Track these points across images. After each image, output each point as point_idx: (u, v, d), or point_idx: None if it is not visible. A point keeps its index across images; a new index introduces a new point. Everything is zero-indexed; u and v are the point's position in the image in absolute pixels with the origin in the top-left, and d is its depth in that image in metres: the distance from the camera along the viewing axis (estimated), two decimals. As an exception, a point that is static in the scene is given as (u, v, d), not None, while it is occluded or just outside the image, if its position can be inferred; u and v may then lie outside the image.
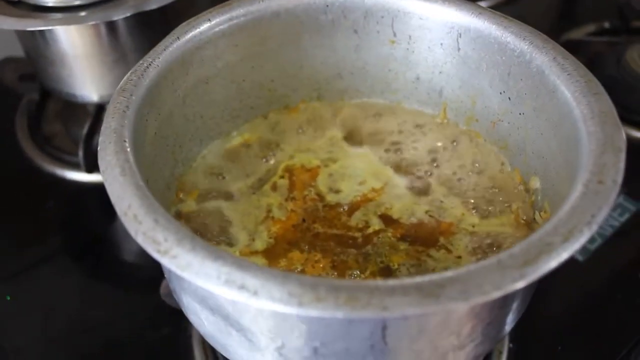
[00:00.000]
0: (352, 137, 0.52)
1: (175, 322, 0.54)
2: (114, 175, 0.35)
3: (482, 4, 0.89)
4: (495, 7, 0.89)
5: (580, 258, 0.59)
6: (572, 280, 0.58)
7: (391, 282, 0.28)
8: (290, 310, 0.28)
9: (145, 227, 0.32)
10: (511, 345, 0.53)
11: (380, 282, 0.28)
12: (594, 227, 0.31)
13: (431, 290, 0.28)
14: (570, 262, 0.57)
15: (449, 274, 0.29)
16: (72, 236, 0.65)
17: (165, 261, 0.30)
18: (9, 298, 0.58)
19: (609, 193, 0.33)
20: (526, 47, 0.43)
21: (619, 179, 0.34)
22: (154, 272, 0.49)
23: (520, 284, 0.29)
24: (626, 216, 0.62)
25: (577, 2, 0.98)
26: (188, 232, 0.31)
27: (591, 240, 0.60)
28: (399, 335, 0.32)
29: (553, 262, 0.30)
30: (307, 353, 0.34)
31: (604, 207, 0.32)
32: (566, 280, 0.58)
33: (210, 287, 0.29)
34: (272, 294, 0.28)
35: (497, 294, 0.28)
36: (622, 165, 0.34)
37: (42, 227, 0.65)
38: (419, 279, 0.28)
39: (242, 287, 0.28)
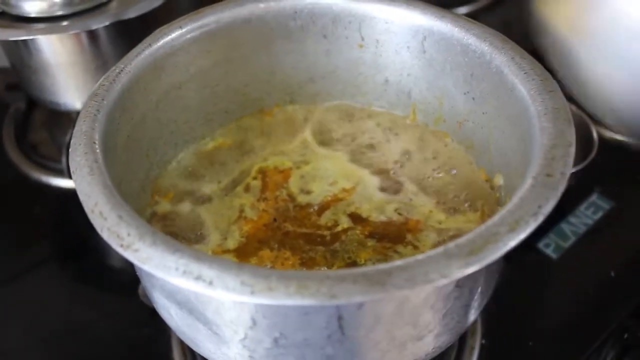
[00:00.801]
0: (324, 140, 0.53)
1: (156, 322, 0.55)
2: (83, 174, 0.36)
3: (463, 9, 0.91)
4: (477, 12, 0.91)
5: (553, 256, 0.60)
6: (545, 277, 0.59)
7: (341, 271, 0.29)
8: (243, 299, 0.29)
9: (109, 223, 0.33)
10: (484, 341, 0.54)
11: (330, 271, 0.30)
12: (540, 218, 0.32)
13: (378, 278, 0.29)
14: (544, 259, 0.59)
15: (397, 263, 0.30)
16: (57, 241, 0.66)
17: (127, 255, 0.32)
18: (-7, 301, 0.59)
19: (556, 185, 0.34)
20: (486, 48, 0.44)
21: (567, 171, 0.35)
22: (135, 275, 0.50)
23: (466, 272, 0.30)
24: (600, 214, 0.64)
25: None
26: (149, 228, 0.32)
27: (565, 238, 0.61)
28: (355, 325, 0.34)
29: (498, 252, 0.31)
30: (268, 344, 0.35)
31: (551, 198, 0.33)
32: (539, 277, 0.59)
33: (169, 278, 0.30)
34: (227, 284, 0.29)
35: (442, 282, 0.29)
36: (570, 159, 0.35)
37: (28, 233, 0.66)
38: (368, 268, 0.30)
39: (198, 278, 0.30)
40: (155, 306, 0.42)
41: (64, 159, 0.66)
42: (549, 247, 0.61)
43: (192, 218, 0.47)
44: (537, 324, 0.55)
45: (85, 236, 0.66)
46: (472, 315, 0.41)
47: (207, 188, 0.49)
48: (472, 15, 0.82)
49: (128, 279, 0.59)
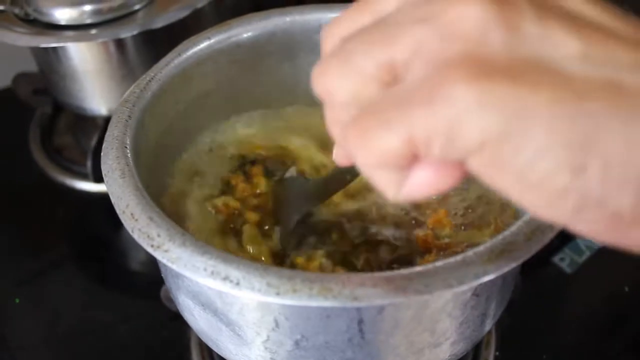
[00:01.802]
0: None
1: (175, 326, 0.57)
2: (115, 177, 0.37)
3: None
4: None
5: (568, 270, 0.61)
6: (559, 292, 0.60)
7: (362, 275, 0.31)
8: (269, 299, 0.30)
9: (140, 224, 0.34)
10: (497, 353, 0.54)
11: (352, 275, 0.31)
12: (557, 229, 0.33)
13: (399, 283, 0.30)
14: (559, 274, 0.60)
15: (416, 269, 0.31)
16: (79, 243, 0.68)
17: (157, 255, 0.33)
18: (17, 301, 0.61)
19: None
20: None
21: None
22: (155, 278, 0.51)
23: (483, 279, 0.31)
24: (615, 231, 0.64)
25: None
26: (179, 229, 0.34)
27: (580, 253, 0.62)
28: (374, 329, 0.35)
29: (515, 260, 0.32)
30: (290, 347, 0.36)
31: (567, 211, 0.34)
32: (554, 291, 0.60)
33: (198, 278, 0.32)
34: (253, 285, 0.30)
35: (460, 288, 0.30)
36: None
37: (52, 234, 0.68)
38: (389, 273, 0.31)
39: (225, 278, 0.31)
40: (178, 308, 0.44)
41: (88, 163, 0.68)
42: (564, 262, 0.61)
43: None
44: (551, 337, 0.56)
45: (106, 238, 0.67)
46: (488, 324, 0.42)
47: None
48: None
49: (148, 282, 0.61)
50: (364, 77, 0.23)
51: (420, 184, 0.22)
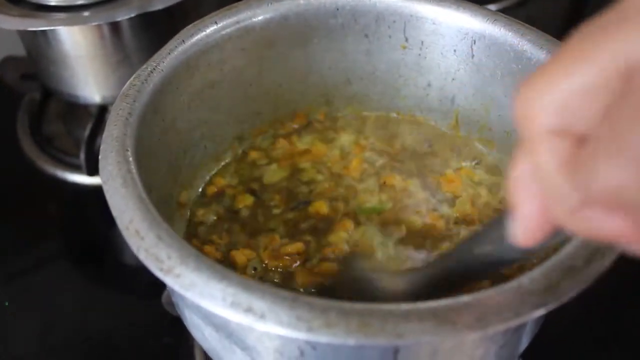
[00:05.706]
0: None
1: (177, 330, 0.53)
2: (116, 186, 0.33)
3: (492, 6, 0.88)
4: (503, 11, 0.88)
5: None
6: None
7: (405, 306, 0.27)
8: (299, 335, 0.26)
9: (147, 244, 0.30)
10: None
11: (393, 307, 0.27)
12: (617, 251, 0.30)
13: (447, 317, 0.26)
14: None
15: (465, 298, 0.27)
16: (73, 239, 0.64)
17: (168, 280, 0.29)
18: (7, 304, 0.56)
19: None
20: (544, 55, 0.41)
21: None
22: (156, 278, 0.47)
23: (542, 311, 0.27)
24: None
25: (586, 7, 0.97)
26: (192, 250, 0.30)
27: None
28: (411, 358, 0.31)
29: (577, 287, 0.28)
30: (314, 375, 0.32)
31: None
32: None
33: (215, 309, 0.28)
34: (280, 318, 0.27)
35: (515, 322, 0.27)
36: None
37: (42, 230, 0.63)
38: (434, 303, 0.27)
39: (248, 310, 0.27)
40: (185, 323, 0.40)
41: (82, 154, 0.63)
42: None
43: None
44: (575, 346, 0.53)
45: (101, 234, 0.63)
46: (524, 344, 0.38)
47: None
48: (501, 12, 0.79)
49: (147, 281, 0.56)
50: None
51: None
